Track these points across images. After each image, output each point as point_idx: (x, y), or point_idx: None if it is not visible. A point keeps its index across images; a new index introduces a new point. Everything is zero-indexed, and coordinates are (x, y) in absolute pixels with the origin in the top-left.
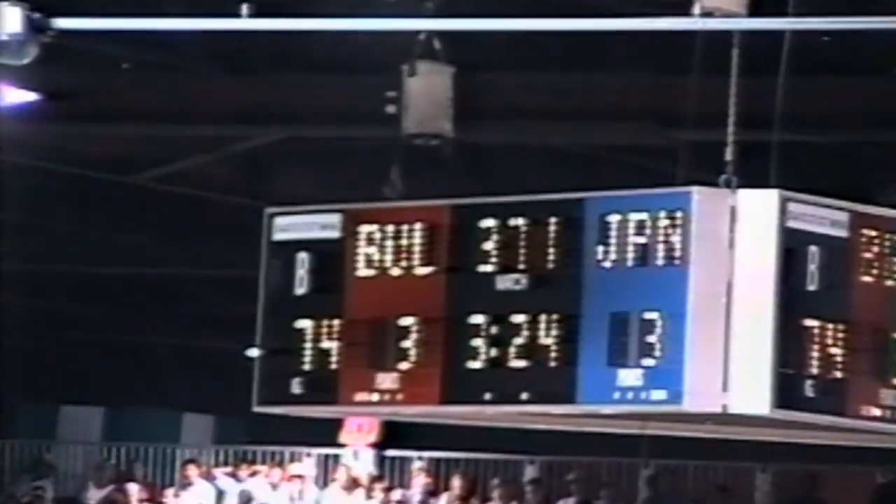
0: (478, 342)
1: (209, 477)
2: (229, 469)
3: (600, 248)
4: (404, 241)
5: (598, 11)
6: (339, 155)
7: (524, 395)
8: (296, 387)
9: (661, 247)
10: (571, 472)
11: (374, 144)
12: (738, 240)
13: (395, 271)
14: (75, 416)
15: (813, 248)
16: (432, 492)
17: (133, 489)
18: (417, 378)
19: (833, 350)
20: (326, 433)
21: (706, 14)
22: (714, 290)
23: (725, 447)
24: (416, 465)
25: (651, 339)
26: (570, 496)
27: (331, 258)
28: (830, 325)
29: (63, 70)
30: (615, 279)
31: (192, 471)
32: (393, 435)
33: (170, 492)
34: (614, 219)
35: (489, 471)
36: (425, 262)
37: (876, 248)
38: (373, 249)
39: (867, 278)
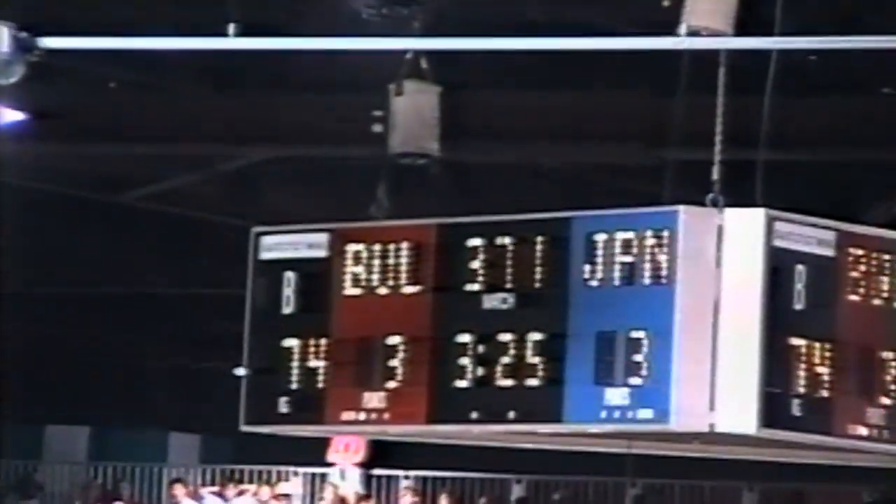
0: (464, 361)
1: (196, 496)
2: (216, 488)
3: (587, 267)
4: (391, 261)
5: (585, 31)
6: (326, 174)
7: (511, 414)
8: (283, 406)
9: (647, 266)
10: (558, 491)
11: (361, 163)
12: (725, 259)
13: (382, 290)
14: (61, 435)
15: (800, 267)
16: None
17: None
18: (404, 397)
19: (820, 369)
20: (313, 452)
21: (692, 33)
22: (701, 309)
23: (712, 466)
24: (403, 484)
25: (638, 358)
26: None
27: (318, 277)
28: (817, 344)
29: (50, 89)
30: (602, 298)
31: (179, 490)
32: (380, 454)
33: None
34: (601, 238)
35: (476, 490)
36: (412, 281)
37: (863, 267)
38: (360, 268)
39: (854, 297)
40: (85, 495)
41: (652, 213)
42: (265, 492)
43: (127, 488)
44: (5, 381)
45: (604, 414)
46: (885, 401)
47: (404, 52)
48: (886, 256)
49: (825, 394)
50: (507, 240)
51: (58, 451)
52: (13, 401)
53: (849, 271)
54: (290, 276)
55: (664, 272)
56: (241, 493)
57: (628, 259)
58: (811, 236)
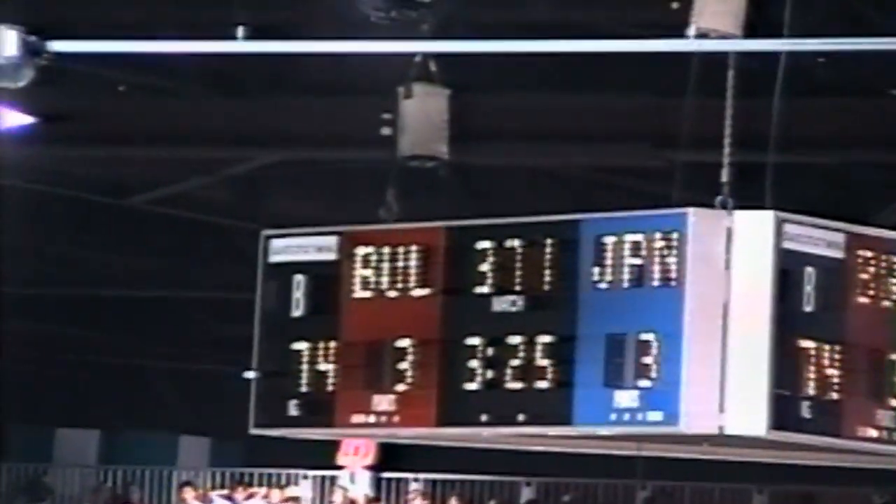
0: (474, 364)
1: (205, 499)
2: (226, 491)
3: (596, 270)
4: (400, 263)
5: (594, 33)
6: (335, 177)
7: (520, 417)
8: (292, 409)
9: (656, 268)
10: (568, 494)
11: (370, 167)
12: (734, 261)
13: (392, 293)
14: (72, 438)
15: (809, 270)
16: None
17: None
18: (414, 400)
19: (829, 371)
20: (323, 455)
21: (701, 35)
22: (710, 311)
23: (722, 468)
24: (413, 486)
25: (647, 360)
26: None
27: (327, 280)
28: (826, 347)
29: (59, 93)
30: (611, 300)
31: (189, 493)
32: (390, 457)
33: None
34: (610, 240)
35: (486, 492)
36: (421, 284)
37: (872, 269)
38: (369, 271)
39: (863, 299)
40: (95, 499)
41: (661, 215)
42: (275, 495)
43: (137, 492)
44: (17, 384)
45: (613, 416)
46: (895, 403)
47: (413, 54)
48: None
49: (835, 396)
50: (516, 242)
51: (68, 455)
52: (24, 404)
53: (858, 273)
54: (299, 278)
55: (673, 274)
56: (250, 496)
57: (637, 261)
58: (820, 238)
